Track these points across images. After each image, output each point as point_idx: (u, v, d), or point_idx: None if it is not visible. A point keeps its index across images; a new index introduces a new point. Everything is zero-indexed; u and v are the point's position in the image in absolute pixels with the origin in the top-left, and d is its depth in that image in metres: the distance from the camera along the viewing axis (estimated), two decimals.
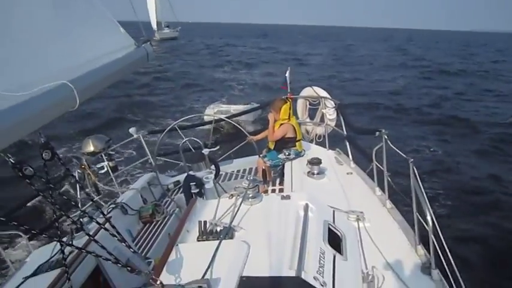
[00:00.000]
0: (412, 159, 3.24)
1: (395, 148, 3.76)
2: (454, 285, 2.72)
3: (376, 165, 4.33)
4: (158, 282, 2.04)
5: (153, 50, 3.47)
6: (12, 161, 1.64)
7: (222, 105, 16.41)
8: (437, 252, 2.89)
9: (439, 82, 29.63)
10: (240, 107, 15.43)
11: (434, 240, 2.86)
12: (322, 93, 6.79)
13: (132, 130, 6.13)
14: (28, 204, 4.98)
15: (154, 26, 69.49)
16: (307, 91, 6.94)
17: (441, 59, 48.98)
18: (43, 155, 1.80)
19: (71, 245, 2.04)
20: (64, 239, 2.81)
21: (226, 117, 6.15)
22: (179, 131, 5.01)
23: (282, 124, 5.39)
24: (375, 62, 43.90)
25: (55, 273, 3.12)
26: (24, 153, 8.84)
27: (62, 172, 2.06)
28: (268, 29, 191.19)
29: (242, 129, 5.12)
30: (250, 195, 3.21)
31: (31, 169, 1.68)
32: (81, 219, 3.38)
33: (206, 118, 8.81)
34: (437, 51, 66.56)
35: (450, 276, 2.74)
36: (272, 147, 5.51)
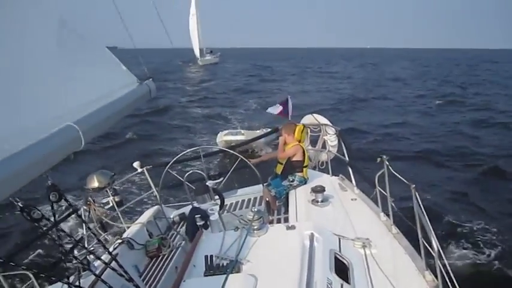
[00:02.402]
0: (414, 185, 3.26)
1: (397, 174, 3.78)
2: None
3: (380, 190, 4.33)
4: None
5: (155, 86, 3.54)
6: (21, 205, 1.67)
7: (235, 131, 15.96)
8: (445, 278, 2.88)
9: None
10: (253, 132, 15.22)
11: (440, 265, 2.85)
12: (323, 120, 6.85)
13: (136, 164, 6.16)
14: (34, 242, 4.99)
15: (197, 53, 73.34)
16: (308, 119, 7.00)
17: None
18: (50, 196, 1.83)
19: (78, 286, 2.05)
20: (71, 278, 2.81)
21: (231, 144, 6.19)
22: (199, 157, 5.02)
23: (293, 146, 5.48)
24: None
25: None
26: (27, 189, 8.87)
27: (68, 211, 2.07)
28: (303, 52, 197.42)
29: (244, 158, 5.15)
30: (256, 227, 3.21)
31: (39, 212, 1.71)
32: (87, 258, 3.38)
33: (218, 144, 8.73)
34: None
35: None
36: (279, 171, 5.54)
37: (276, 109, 6.75)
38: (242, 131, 15.24)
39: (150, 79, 3.52)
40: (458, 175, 13.20)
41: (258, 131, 15.20)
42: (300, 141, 5.57)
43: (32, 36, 2.43)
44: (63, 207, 2.26)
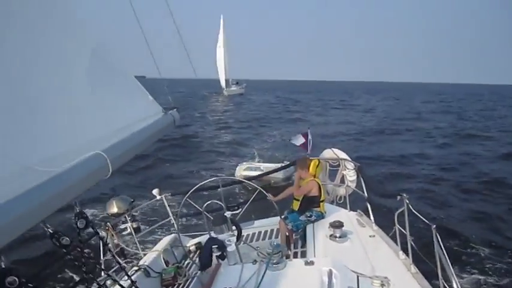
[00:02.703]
0: (434, 226, 3.24)
1: (417, 213, 3.75)
2: None
3: (399, 228, 4.29)
4: None
5: (179, 116, 3.62)
6: (51, 231, 1.72)
7: (254, 164, 16.05)
8: None
9: None
10: (272, 165, 15.11)
11: None
12: (342, 155, 6.86)
13: (155, 191, 6.23)
14: (56, 265, 5.02)
15: (223, 83, 75.53)
16: (328, 153, 7.02)
17: None
18: (78, 223, 1.88)
19: None
20: None
21: (249, 178, 6.20)
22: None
23: (308, 181, 5.47)
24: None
25: None
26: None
27: (90, 236, 2.11)
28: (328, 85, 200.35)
29: (262, 190, 5.17)
30: (275, 261, 3.21)
31: (67, 239, 1.75)
32: (106, 283, 3.40)
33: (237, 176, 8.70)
34: None
35: None
36: (296, 208, 5.53)
37: (298, 140, 6.83)
38: (261, 167, 15.17)
39: (175, 109, 3.60)
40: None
41: (277, 165, 14.93)
42: (315, 176, 5.56)
43: (65, 65, 2.52)
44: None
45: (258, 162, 16.36)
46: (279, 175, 13.40)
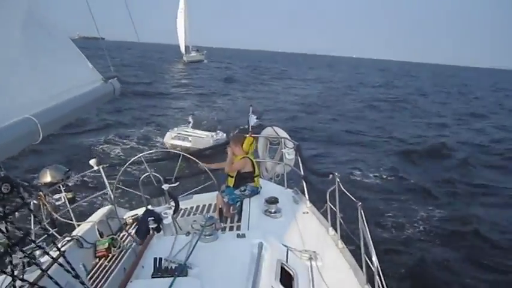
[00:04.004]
0: (360, 203, 3.42)
1: (346, 191, 3.95)
2: None
3: (330, 206, 4.49)
4: None
5: (120, 85, 3.54)
6: None
7: (183, 131, 16.37)
8: None
9: None
10: (203, 133, 15.92)
11: (379, 281, 3.01)
12: (282, 133, 7.01)
13: (92, 162, 6.08)
14: None
15: (182, 49, 74.97)
16: (268, 131, 7.14)
17: None
18: (2, 188, 1.82)
19: (22, 280, 2.03)
20: (16, 272, 2.77)
21: (190, 152, 6.18)
22: (145, 163, 5.03)
23: (241, 158, 5.52)
24: None
25: None
26: None
27: (18, 203, 2.05)
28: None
29: (194, 158, 5.16)
30: (207, 233, 3.27)
31: None
32: (34, 253, 3.32)
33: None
34: None
35: None
36: (231, 184, 5.59)
37: (252, 120, 6.88)
38: (190, 138, 15.65)
39: (115, 78, 3.52)
40: None
41: (207, 133, 16.05)
42: (247, 153, 5.61)
43: None
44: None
45: (192, 128, 16.67)
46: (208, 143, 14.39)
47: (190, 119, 17.28)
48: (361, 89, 51.96)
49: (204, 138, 15.49)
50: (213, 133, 16.19)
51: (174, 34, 73.65)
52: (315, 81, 58.76)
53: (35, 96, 2.38)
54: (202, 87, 40.36)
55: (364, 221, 3.24)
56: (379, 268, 3.00)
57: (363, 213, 3.30)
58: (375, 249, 3.02)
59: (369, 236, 3.11)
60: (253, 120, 6.92)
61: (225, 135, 16.59)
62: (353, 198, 3.64)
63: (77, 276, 2.11)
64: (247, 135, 5.84)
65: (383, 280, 3.02)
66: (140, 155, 5.17)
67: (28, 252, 2.34)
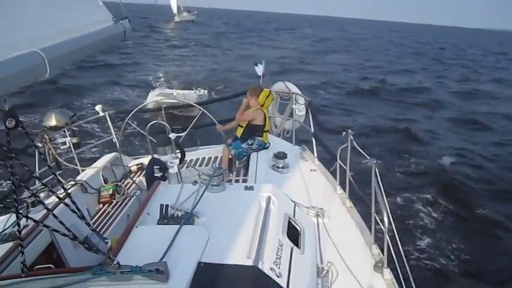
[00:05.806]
0: (375, 161, 3.33)
1: (359, 149, 3.86)
2: (403, 285, 2.84)
3: (340, 164, 4.41)
4: (115, 262, 2.00)
5: (130, 27, 3.41)
6: None
7: (165, 90, 16.59)
8: (391, 253, 3.00)
9: None
10: (184, 92, 16.08)
11: (389, 240, 2.97)
12: (294, 88, 6.84)
13: (98, 108, 6.00)
14: None
15: (174, 10, 79.47)
16: (279, 86, 6.97)
17: None
18: (6, 123, 1.73)
19: (28, 217, 1.98)
20: (22, 210, 2.73)
21: (197, 104, 6.07)
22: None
23: (255, 109, 5.44)
24: None
25: (7, 246, 3.04)
26: None
27: (24, 143, 1.99)
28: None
29: (212, 117, 5.06)
30: (214, 184, 3.21)
31: None
32: (39, 193, 3.29)
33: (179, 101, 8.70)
34: None
35: (401, 276, 2.86)
36: (239, 134, 5.52)
37: (259, 70, 6.75)
38: (174, 93, 15.70)
39: (127, 19, 3.38)
40: None
41: (190, 91, 16.28)
42: (263, 106, 5.52)
43: None
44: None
45: (169, 88, 17.37)
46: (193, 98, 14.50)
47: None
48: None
49: (187, 95, 15.55)
50: (195, 90, 16.62)
51: None
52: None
53: (44, 31, 2.27)
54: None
55: (379, 180, 3.16)
56: (393, 227, 2.95)
57: (377, 171, 3.21)
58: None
59: (383, 195, 3.03)
60: (260, 70, 6.77)
61: (206, 91, 17.06)
62: (367, 156, 3.55)
63: (82, 217, 2.05)
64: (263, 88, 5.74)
65: (398, 240, 2.98)
66: (146, 102, 5.08)
67: (34, 192, 2.29)
